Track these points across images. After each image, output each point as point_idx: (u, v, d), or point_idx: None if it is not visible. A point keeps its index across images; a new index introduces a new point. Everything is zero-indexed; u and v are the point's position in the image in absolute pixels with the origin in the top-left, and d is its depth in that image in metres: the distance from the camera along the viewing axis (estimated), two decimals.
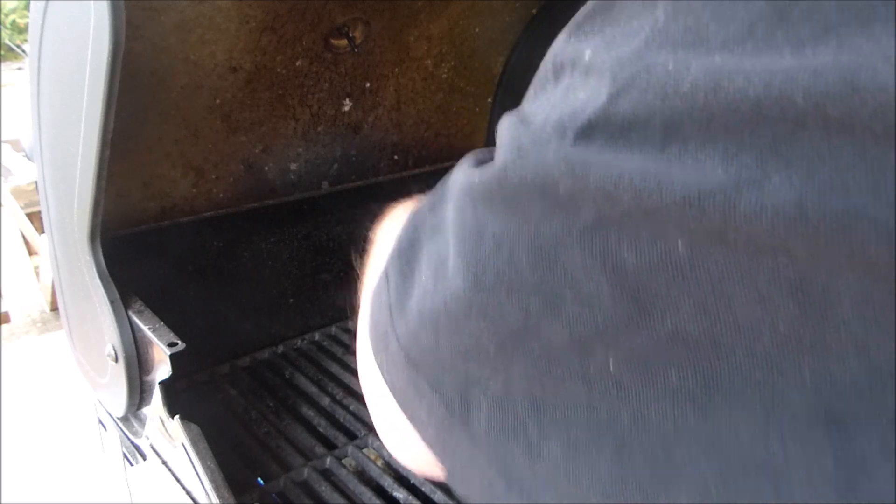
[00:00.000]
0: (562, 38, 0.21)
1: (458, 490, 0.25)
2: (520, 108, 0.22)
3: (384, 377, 0.26)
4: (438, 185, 0.26)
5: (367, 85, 0.95)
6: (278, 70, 0.84)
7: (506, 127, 0.22)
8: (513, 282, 0.20)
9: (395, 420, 0.27)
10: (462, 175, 0.23)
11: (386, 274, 0.26)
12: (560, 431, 0.21)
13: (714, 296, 0.17)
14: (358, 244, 0.37)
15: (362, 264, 0.35)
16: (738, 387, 0.17)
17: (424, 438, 0.25)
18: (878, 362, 0.15)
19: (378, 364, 0.27)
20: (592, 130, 0.18)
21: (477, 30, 0.98)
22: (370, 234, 0.36)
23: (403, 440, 0.27)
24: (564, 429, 0.21)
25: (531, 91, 0.22)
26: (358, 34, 0.86)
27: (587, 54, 0.19)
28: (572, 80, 0.20)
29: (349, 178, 1.05)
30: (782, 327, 0.16)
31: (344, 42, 0.86)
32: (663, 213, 0.17)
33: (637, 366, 0.19)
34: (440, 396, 0.24)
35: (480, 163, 0.23)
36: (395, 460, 0.80)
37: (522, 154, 0.20)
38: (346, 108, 0.96)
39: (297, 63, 0.85)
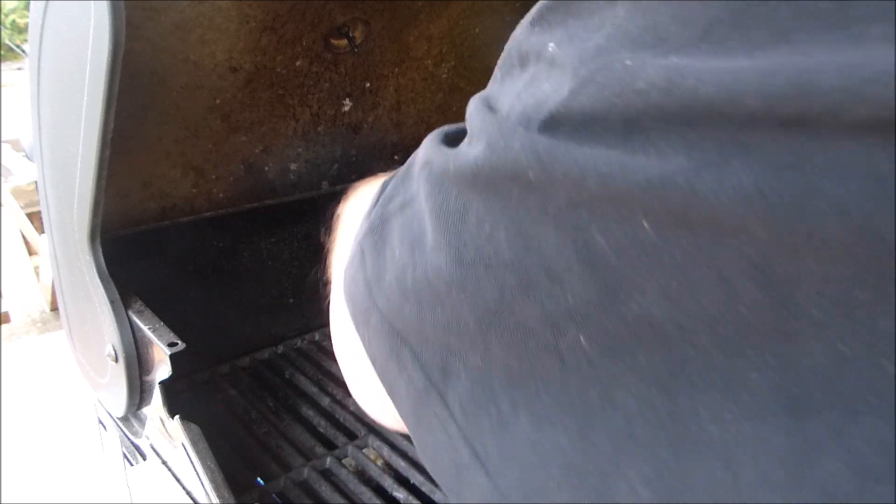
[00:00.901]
0: (526, 25, 0.22)
1: (427, 465, 0.26)
2: (487, 90, 0.23)
3: (366, 350, 0.27)
4: (405, 164, 0.27)
5: (367, 85, 0.95)
6: (278, 70, 0.84)
7: (474, 113, 0.22)
8: (490, 258, 0.21)
9: (374, 389, 0.27)
10: (435, 156, 0.23)
11: (361, 250, 0.27)
12: (531, 405, 0.21)
13: (677, 281, 0.17)
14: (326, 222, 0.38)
15: (330, 240, 0.36)
16: (702, 369, 0.18)
17: (401, 412, 0.26)
18: (839, 348, 0.16)
19: (360, 337, 0.27)
20: (556, 123, 0.19)
21: (477, 30, 0.98)
22: (337, 210, 0.37)
23: (380, 406, 0.29)
24: (536, 402, 0.21)
25: (497, 74, 0.23)
26: (358, 34, 0.86)
27: (551, 46, 0.20)
28: (537, 71, 0.20)
29: (349, 178, 1.05)
30: (744, 311, 0.17)
31: (344, 42, 0.86)
32: (628, 196, 0.17)
33: (607, 345, 0.19)
34: (421, 367, 0.24)
35: (451, 140, 0.24)
36: (395, 460, 0.80)
37: (492, 146, 0.20)
38: (346, 108, 0.96)
39: (297, 63, 0.85)
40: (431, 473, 0.26)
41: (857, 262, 0.15)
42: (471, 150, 0.21)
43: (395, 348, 0.25)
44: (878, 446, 0.15)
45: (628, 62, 0.17)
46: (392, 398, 0.26)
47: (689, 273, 0.17)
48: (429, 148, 0.24)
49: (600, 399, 0.20)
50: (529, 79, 0.21)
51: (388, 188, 0.27)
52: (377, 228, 0.26)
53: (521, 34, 0.22)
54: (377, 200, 0.27)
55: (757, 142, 0.15)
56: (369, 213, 0.27)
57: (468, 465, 0.23)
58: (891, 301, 0.15)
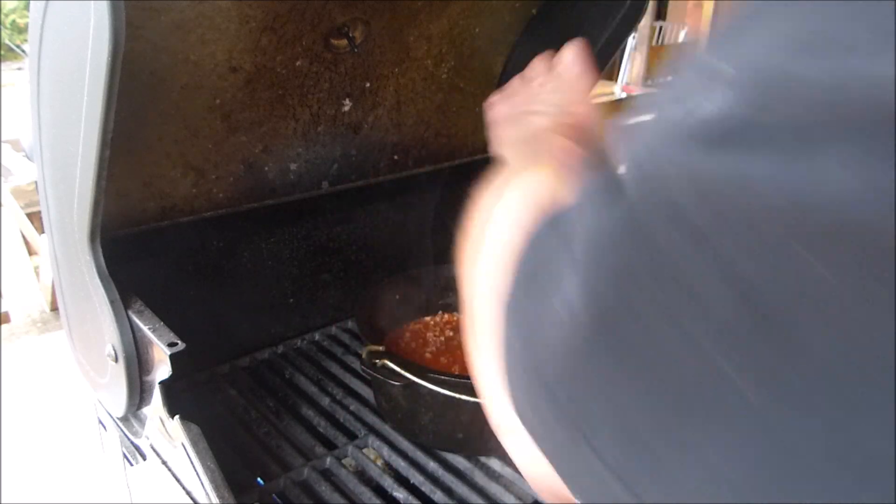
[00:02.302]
0: (703, 41, 0.22)
1: (576, 495, 0.25)
2: (632, 122, 0.23)
3: (514, 407, 0.27)
4: (572, 214, 0.26)
5: (367, 85, 0.95)
6: (278, 70, 0.84)
7: (624, 141, 0.22)
8: (638, 310, 0.20)
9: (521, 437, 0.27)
10: (596, 220, 0.23)
11: (517, 298, 0.27)
12: (695, 450, 0.20)
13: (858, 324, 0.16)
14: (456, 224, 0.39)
15: (463, 246, 0.36)
16: (878, 407, 0.16)
17: (542, 449, 0.26)
18: None
19: (511, 395, 0.27)
20: (718, 137, 0.18)
21: (477, 30, 0.98)
22: (470, 210, 0.37)
23: (530, 460, 0.28)
24: (703, 446, 0.20)
25: (663, 93, 0.23)
26: (358, 34, 0.86)
27: (720, 64, 0.20)
28: (699, 82, 0.20)
29: (349, 178, 1.05)
30: None
31: (344, 42, 0.86)
32: (783, 215, 0.16)
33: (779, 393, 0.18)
34: (565, 417, 0.24)
35: (608, 189, 0.23)
36: (395, 460, 0.80)
37: (645, 175, 0.20)
38: (346, 108, 0.96)
39: (297, 63, 0.85)
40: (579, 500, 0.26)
41: None
42: (628, 191, 0.21)
43: (537, 403, 0.25)
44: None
45: (795, 70, 0.17)
46: (534, 440, 0.26)
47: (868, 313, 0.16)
48: (592, 208, 0.24)
49: (772, 447, 0.18)
50: (687, 93, 0.20)
51: (546, 237, 0.27)
52: (531, 277, 0.26)
53: (699, 48, 0.22)
54: (532, 245, 0.27)
55: None
56: (522, 257, 0.27)
57: (619, 495, 0.22)
58: None
